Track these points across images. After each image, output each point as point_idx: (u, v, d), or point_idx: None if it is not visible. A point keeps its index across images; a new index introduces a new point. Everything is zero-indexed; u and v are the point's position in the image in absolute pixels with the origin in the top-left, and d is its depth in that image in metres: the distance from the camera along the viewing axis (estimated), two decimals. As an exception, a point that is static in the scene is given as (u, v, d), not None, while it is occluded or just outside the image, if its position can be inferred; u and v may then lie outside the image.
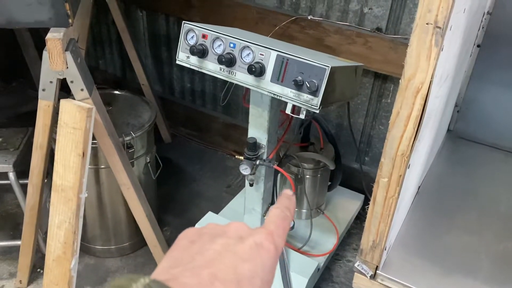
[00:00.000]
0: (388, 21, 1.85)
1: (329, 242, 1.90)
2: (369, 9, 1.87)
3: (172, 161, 2.57)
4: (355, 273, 0.96)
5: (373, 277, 0.93)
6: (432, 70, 0.69)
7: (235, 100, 2.47)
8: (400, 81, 0.73)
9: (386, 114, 2.07)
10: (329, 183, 2.04)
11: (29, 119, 1.88)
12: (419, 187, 1.18)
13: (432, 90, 0.73)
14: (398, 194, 0.82)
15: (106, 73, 2.92)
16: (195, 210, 2.22)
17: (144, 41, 2.62)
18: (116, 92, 1.96)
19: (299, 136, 1.95)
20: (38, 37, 2.71)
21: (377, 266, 0.92)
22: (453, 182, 1.24)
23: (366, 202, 2.16)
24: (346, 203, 2.13)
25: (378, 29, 1.88)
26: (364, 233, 0.91)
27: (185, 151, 2.67)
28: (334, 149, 1.92)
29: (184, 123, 2.74)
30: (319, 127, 1.90)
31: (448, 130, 1.47)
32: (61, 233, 1.43)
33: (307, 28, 2.00)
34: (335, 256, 2.04)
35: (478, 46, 1.32)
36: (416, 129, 0.74)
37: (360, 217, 2.19)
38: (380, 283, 0.93)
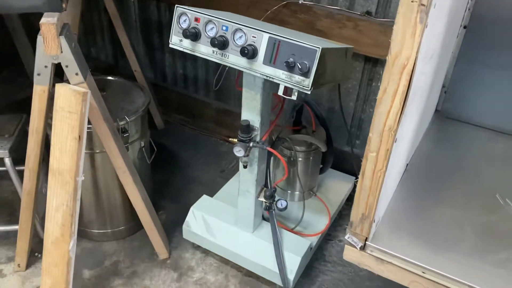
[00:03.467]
0: (377, 5, 1.88)
1: (321, 223, 1.95)
2: (359, -7, 1.89)
3: (166, 147, 2.60)
4: (346, 246, 1.01)
5: (363, 248, 0.97)
6: (417, 47, 0.72)
7: (228, 85, 2.49)
8: (387, 58, 0.76)
9: (376, 98, 2.11)
10: (321, 166, 2.08)
11: (21, 107, 1.90)
12: (407, 164, 1.22)
13: (418, 67, 0.76)
14: (386, 168, 0.86)
15: (98, 60, 2.92)
16: (190, 195, 2.26)
17: (136, 28, 2.62)
18: (110, 78, 1.97)
19: (291, 120, 1.98)
20: (29, 24, 2.71)
21: (366, 238, 0.96)
22: (440, 159, 1.28)
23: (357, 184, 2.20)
24: (337, 185, 2.18)
25: (368, 13, 1.91)
26: (353, 207, 0.95)
27: (178, 137, 2.69)
28: (326, 132, 1.96)
29: (177, 109, 2.76)
30: (311, 111, 1.94)
31: (436, 110, 1.51)
32: (59, 216, 1.46)
33: (298, 12, 2.02)
34: (327, 237, 2.09)
35: (464, 27, 1.35)
36: (402, 104, 0.77)
37: (351, 199, 2.23)
38: (370, 254, 0.97)
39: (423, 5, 0.67)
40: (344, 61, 1.43)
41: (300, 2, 2.01)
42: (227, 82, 2.47)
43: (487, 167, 1.26)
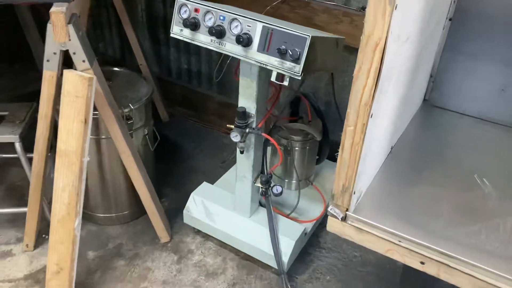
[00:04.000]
0: (372, 1, 1.95)
1: (317, 210, 2.02)
2: (355, -11, 1.97)
3: (169, 138, 2.69)
4: (329, 217, 1.08)
5: (344, 219, 1.05)
6: (388, 27, 0.79)
7: (230, 79, 2.58)
8: (361, 38, 0.84)
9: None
10: (317, 157, 2.15)
11: (31, 99, 2.00)
12: (392, 147, 1.29)
13: (389, 46, 0.84)
14: (363, 142, 0.93)
15: (105, 55, 3.02)
16: (191, 184, 2.34)
17: (142, 23, 2.72)
18: (116, 69, 2.07)
19: (289, 111, 2.06)
20: (40, 19, 2.82)
21: (347, 209, 1.03)
22: (424, 143, 1.35)
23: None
24: (333, 176, 2.24)
25: (363, 8, 1.98)
26: (335, 179, 1.02)
27: (182, 129, 2.78)
28: (322, 124, 2.03)
29: (181, 103, 2.85)
30: (307, 103, 2.01)
31: (425, 99, 1.58)
32: (65, 195, 1.55)
33: (296, 8, 2.10)
34: (323, 224, 2.15)
35: (450, 19, 1.42)
36: (376, 80, 0.85)
37: (348, 190, 2.30)
38: (350, 224, 1.04)
39: (391, -12, 0.75)
40: (335, 50, 1.51)
41: (298, -3, 2.09)
42: (229, 76, 2.55)
43: (468, 151, 1.32)
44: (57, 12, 1.37)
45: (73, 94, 1.47)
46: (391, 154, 1.28)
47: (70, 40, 1.43)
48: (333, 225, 1.07)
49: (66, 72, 1.47)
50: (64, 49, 1.45)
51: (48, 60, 1.47)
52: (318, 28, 2.07)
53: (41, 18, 2.83)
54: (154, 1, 2.60)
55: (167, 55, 2.77)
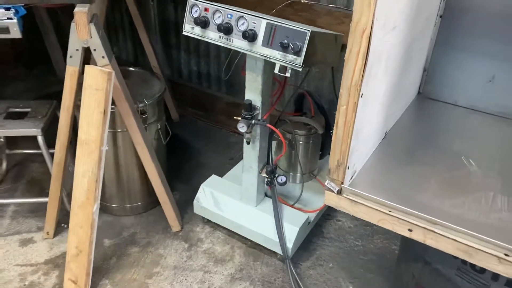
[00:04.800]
0: (371, 3, 2.07)
1: (320, 202, 2.12)
2: (355, -8, 2.09)
3: (179, 137, 2.82)
4: (325, 191, 1.18)
5: (340, 192, 1.16)
6: (372, 15, 0.91)
7: (238, 80, 2.71)
8: (350, 25, 0.95)
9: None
10: (320, 153, 2.26)
11: (50, 99, 2.14)
12: (386, 132, 1.40)
13: (376, 32, 0.95)
14: (354, 119, 1.04)
15: (119, 59, 3.17)
16: (200, 178, 2.44)
17: (155, 27, 2.87)
18: (131, 68, 2.21)
19: (293, 107, 2.18)
20: (59, 25, 2.98)
21: (342, 183, 1.14)
22: (417, 130, 1.46)
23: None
24: (337, 170, 2.35)
25: (363, 10, 2.10)
26: (330, 155, 1.13)
27: (192, 128, 2.91)
28: (325, 119, 2.15)
29: (191, 103, 2.98)
30: (310, 99, 2.13)
31: (419, 92, 1.69)
32: (84, 181, 1.68)
33: (300, 10, 2.23)
34: (326, 216, 2.26)
35: (440, 16, 1.53)
36: (364, 62, 0.96)
37: (351, 184, 2.40)
38: (345, 197, 1.15)
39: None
40: (334, 45, 1.63)
41: (302, 1, 2.22)
42: (237, 77, 2.68)
43: (458, 137, 1.43)
44: (80, 12, 1.51)
45: (93, 87, 1.60)
46: (385, 139, 1.39)
47: (91, 37, 1.56)
48: (330, 199, 1.17)
49: (87, 67, 1.60)
50: (85, 46, 1.59)
51: (71, 56, 1.61)
52: (321, 29, 2.20)
53: (58, 22, 3.00)
54: (167, 7, 2.75)
55: (178, 58, 2.91)
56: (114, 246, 2.05)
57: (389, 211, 1.11)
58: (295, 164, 2.20)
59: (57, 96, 2.53)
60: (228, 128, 2.89)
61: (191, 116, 3.00)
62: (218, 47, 2.70)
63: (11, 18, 1.55)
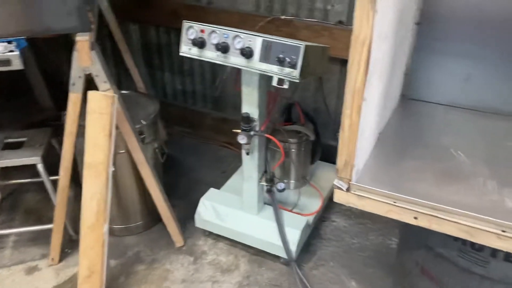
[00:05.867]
0: (348, 15, 2.22)
1: (316, 205, 2.23)
2: (331, 6, 2.24)
3: (170, 155, 2.86)
4: (335, 190, 1.28)
5: (348, 189, 1.26)
6: (371, 28, 1.03)
7: (224, 96, 2.80)
8: (351, 38, 1.07)
9: (354, 95, 2.43)
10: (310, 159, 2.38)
11: (38, 128, 2.18)
12: (379, 133, 1.52)
13: (374, 43, 1.07)
14: (359, 122, 1.15)
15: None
16: (196, 194, 2.49)
17: (138, 51, 2.94)
18: (123, 91, 2.27)
19: (283, 118, 2.29)
20: (40, 59, 3.01)
21: (350, 180, 1.25)
22: (405, 129, 1.59)
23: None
24: (327, 174, 2.47)
25: (340, 22, 2.25)
26: (338, 156, 1.24)
27: (181, 146, 2.97)
28: (313, 126, 2.27)
29: (178, 122, 3.05)
30: (299, 109, 2.25)
31: (402, 95, 1.83)
32: (93, 204, 1.72)
33: (281, 26, 2.36)
34: (322, 219, 2.36)
35: (416, 24, 1.68)
36: (365, 70, 1.08)
37: (341, 186, 2.52)
38: (353, 193, 1.25)
39: (373, -1, 0.99)
40: (322, 57, 1.75)
41: (282, 17, 2.35)
42: (223, 93, 2.78)
43: (443, 132, 1.56)
44: (83, 41, 1.58)
45: (97, 112, 1.66)
46: (379, 139, 1.51)
47: (93, 64, 1.63)
48: (339, 196, 1.28)
49: (91, 93, 1.66)
50: (87, 72, 1.65)
51: (73, 84, 1.67)
52: (302, 42, 2.33)
53: (38, 51, 3.02)
54: (149, 30, 2.83)
55: (162, 78, 2.98)
56: (121, 266, 2.08)
57: (394, 202, 1.22)
58: (288, 171, 2.30)
59: (42, 125, 2.55)
60: (217, 142, 2.97)
61: (179, 134, 3.07)
62: (202, 66, 2.79)
63: (12, 51, 1.60)
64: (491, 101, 1.67)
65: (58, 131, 2.27)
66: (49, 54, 3.26)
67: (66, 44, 3.11)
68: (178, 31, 2.74)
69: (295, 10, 2.34)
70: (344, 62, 2.36)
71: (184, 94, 2.97)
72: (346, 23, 2.23)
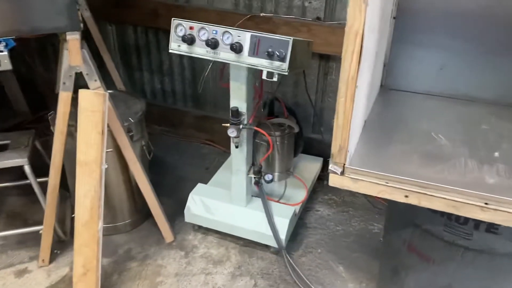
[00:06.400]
0: (325, 11, 2.31)
1: (301, 195, 2.31)
2: (309, 2, 2.33)
3: (153, 154, 2.88)
4: (330, 174, 1.36)
5: (342, 173, 1.34)
6: (364, 19, 1.11)
7: (204, 94, 2.84)
8: (345, 29, 1.15)
9: (332, 89, 2.53)
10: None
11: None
12: (365, 121, 1.61)
13: (365, 33, 1.15)
14: (352, 108, 1.23)
15: (85, 86, 3.18)
16: (182, 191, 2.53)
17: (115, 51, 2.93)
18: (109, 91, 2.27)
19: (266, 112, 2.36)
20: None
21: (344, 165, 1.32)
22: (388, 116, 1.69)
23: (325, 164, 2.59)
24: (309, 166, 2.56)
25: (318, 18, 2.34)
26: (333, 142, 1.31)
27: (162, 145, 2.98)
28: (295, 119, 2.35)
29: (158, 121, 3.06)
30: (282, 103, 2.32)
31: (381, 85, 1.93)
32: (87, 201, 1.74)
33: (260, 23, 2.42)
34: (306, 208, 2.45)
35: (394, 18, 1.79)
36: (358, 59, 1.16)
37: (322, 177, 2.62)
38: (348, 176, 1.33)
39: (364, -9, 1.07)
40: (307, 51, 1.83)
41: (261, 14, 2.41)
42: (203, 91, 2.82)
43: (423, 118, 1.67)
44: (73, 40, 1.59)
45: (89, 110, 1.68)
46: (365, 126, 1.60)
47: (83, 62, 1.64)
48: (334, 180, 1.35)
49: (81, 91, 1.68)
50: (78, 71, 1.66)
51: (64, 83, 1.68)
52: (282, 39, 2.40)
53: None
54: (126, 30, 2.84)
55: (141, 78, 2.99)
56: (113, 264, 2.10)
57: (387, 182, 1.31)
58: (273, 163, 2.37)
59: (17, 128, 2.50)
60: (198, 140, 3.01)
61: (160, 134, 3.08)
62: (181, 64, 2.82)
63: (1, 51, 1.60)
64: (464, 89, 1.79)
65: (39, 133, 2.26)
66: (21, 56, 3.20)
67: (39, 44, 3.07)
68: (156, 31, 2.78)
69: (273, 7, 2.41)
70: (322, 57, 2.45)
71: (163, 93, 2.99)
72: (323, 19, 2.32)
